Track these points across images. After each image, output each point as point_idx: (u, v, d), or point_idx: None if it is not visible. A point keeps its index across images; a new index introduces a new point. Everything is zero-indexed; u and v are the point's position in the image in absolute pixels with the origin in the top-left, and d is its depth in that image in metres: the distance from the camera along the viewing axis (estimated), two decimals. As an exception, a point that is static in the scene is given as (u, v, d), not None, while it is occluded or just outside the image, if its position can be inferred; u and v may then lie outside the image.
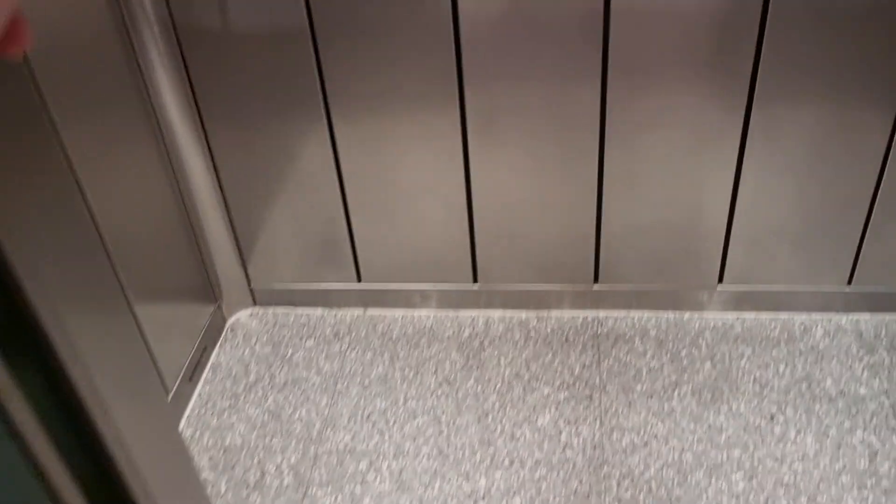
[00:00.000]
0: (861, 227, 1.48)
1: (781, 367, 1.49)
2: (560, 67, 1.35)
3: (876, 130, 1.36)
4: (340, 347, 1.63)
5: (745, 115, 1.37)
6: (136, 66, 1.37)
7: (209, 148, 1.52)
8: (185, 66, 1.42)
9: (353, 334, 1.66)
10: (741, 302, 1.60)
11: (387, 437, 1.44)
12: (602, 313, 1.64)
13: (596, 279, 1.61)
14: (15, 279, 0.44)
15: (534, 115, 1.41)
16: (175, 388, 1.50)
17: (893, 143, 1.37)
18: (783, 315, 1.60)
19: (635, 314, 1.63)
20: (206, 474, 1.41)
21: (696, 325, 1.60)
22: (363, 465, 1.40)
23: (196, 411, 1.52)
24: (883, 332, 1.55)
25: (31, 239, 0.45)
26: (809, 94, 1.34)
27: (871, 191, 1.43)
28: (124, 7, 1.30)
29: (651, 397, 1.45)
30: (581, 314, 1.65)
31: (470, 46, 1.34)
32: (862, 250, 1.51)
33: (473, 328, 1.64)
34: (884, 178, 1.41)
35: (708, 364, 1.51)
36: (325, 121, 1.46)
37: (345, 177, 1.53)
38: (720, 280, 1.58)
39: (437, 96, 1.41)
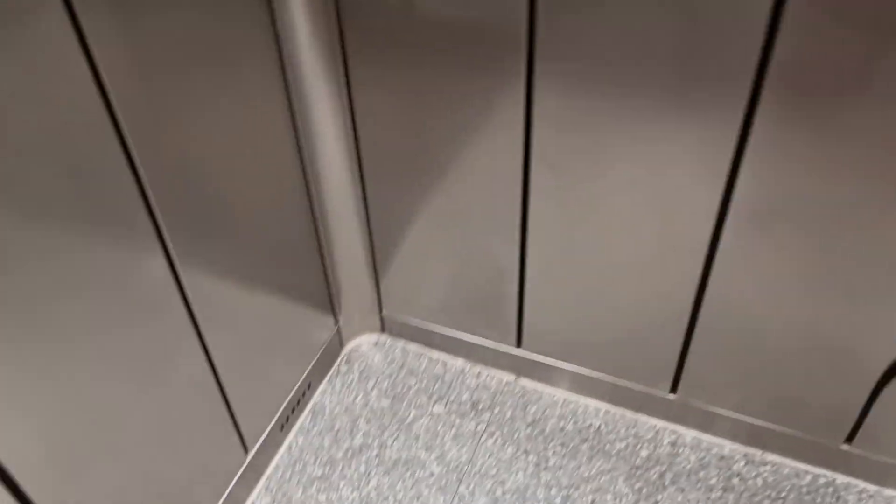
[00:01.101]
0: None
1: None
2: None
3: None
4: (476, 427, 1.24)
5: None
6: (274, 33, 0.96)
7: (356, 137, 1.11)
8: (342, 39, 0.99)
9: (497, 411, 1.27)
10: None
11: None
12: (843, 479, 1.16)
13: (850, 438, 1.13)
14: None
15: (838, 223, 0.90)
16: (264, 436, 1.18)
17: None
18: None
19: (893, 495, 1.15)
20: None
21: None
22: None
23: (280, 473, 1.20)
24: None
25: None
26: None
27: None
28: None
29: None
30: (811, 472, 1.17)
31: (775, 95, 0.83)
32: None
33: (655, 447, 1.21)
34: None
35: None
36: (521, 144, 1.01)
37: (531, 221, 1.09)
38: None
39: (701, 162, 0.92)
